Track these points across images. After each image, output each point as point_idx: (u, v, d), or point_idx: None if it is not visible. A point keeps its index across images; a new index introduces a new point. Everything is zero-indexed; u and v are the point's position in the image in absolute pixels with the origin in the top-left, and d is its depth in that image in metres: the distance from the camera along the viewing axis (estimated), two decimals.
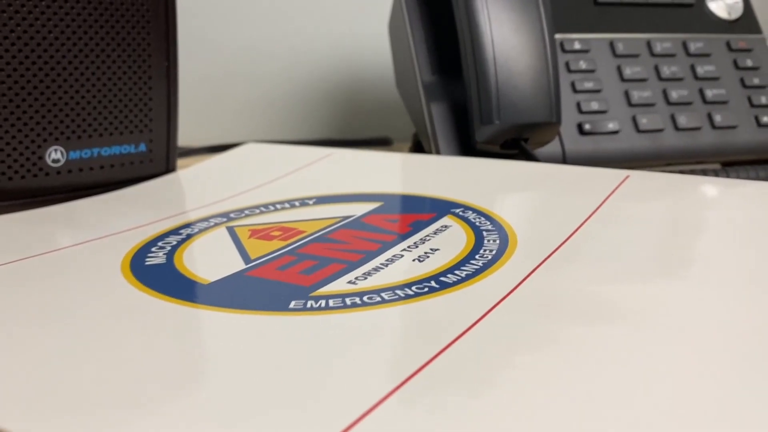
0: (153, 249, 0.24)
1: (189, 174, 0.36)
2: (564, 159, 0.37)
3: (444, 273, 0.20)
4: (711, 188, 0.27)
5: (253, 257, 0.22)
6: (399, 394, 0.13)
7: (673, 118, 0.40)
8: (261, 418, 0.13)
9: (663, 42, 0.42)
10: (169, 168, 0.36)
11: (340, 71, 0.60)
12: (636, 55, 0.41)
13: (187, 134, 0.55)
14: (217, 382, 0.14)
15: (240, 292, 0.19)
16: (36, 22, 0.30)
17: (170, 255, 0.23)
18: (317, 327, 0.17)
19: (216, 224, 0.26)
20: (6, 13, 0.29)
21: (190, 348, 0.16)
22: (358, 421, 0.12)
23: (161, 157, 0.36)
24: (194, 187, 0.33)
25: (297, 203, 0.29)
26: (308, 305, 0.18)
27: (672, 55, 0.41)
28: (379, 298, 0.18)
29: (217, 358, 0.15)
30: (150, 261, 0.22)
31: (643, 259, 0.20)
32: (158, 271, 0.21)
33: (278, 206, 0.29)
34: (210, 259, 0.22)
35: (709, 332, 0.16)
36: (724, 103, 0.41)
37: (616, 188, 0.27)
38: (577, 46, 0.40)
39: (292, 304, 0.18)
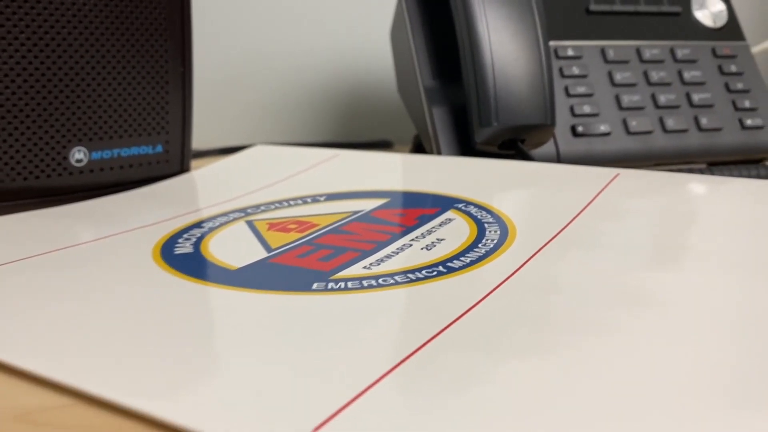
0: (179, 240, 0.25)
1: (203, 174, 0.37)
2: (558, 159, 0.39)
3: (450, 259, 0.22)
4: (696, 184, 0.29)
5: (273, 247, 0.24)
6: (414, 359, 0.15)
7: (661, 121, 0.42)
8: (291, 380, 0.15)
9: (651, 49, 0.44)
10: (183, 168, 0.38)
11: (342, 77, 0.62)
12: (626, 61, 0.43)
13: (194, 137, 0.57)
14: (251, 349, 0.16)
15: (266, 276, 0.21)
16: (63, 30, 0.31)
17: (197, 245, 0.25)
18: (339, 304, 0.19)
19: (235, 218, 0.28)
20: (36, 21, 0.30)
21: (226, 321, 0.18)
22: (378, 381, 0.14)
23: (176, 158, 0.37)
24: (210, 186, 0.35)
25: (309, 200, 0.31)
26: (329, 286, 0.20)
27: (660, 61, 0.44)
28: (392, 281, 0.20)
29: (251, 329, 0.17)
30: (179, 250, 0.24)
31: (633, 247, 0.22)
32: (188, 259, 0.23)
33: (291, 203, 0.30)
34: (234, 248, 0.24)
35: (698, 309, 0.18)
36: (709, 106, 0.43)
37: (607, 185, 0.29)
38: (570, 52, 0.42)
39: (315, 286, 0.20)
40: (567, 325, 0.17)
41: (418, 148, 0.48)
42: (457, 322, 0.17)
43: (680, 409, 0.13)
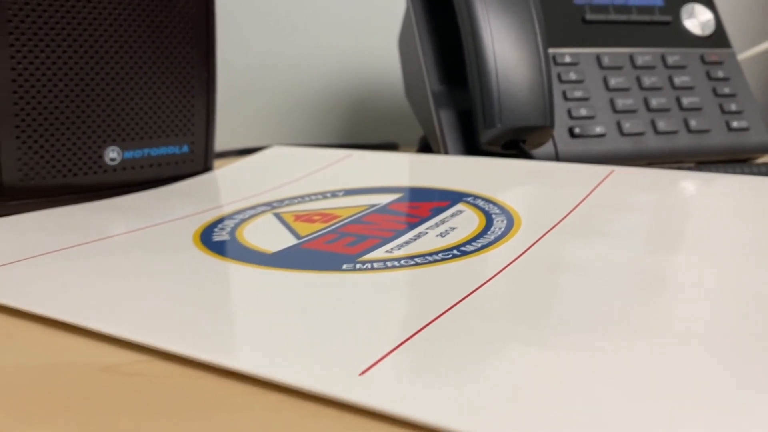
0: (215, 230, 0.28)
1: (225, 172, 0.40)
2: (557, 159, 0.42)
3: (463, 244, 0.25)
4: (686, 179, 0.32)
5: (302, 235, 0.27)
6: (439, 321, 0.18)
7: (653, 123, 0.45)
8: (338, 336, 0.17)
9: (644, 55, 0.47)
10: (207, 167, 0.40)
11: (350, 83, 0.65)
12: (620, 67, 0.46)
13: None
14: (299, 312, 0.19)
15: (300, 259, 0.24)
16: (100, 38, 0.34)
17: (232, 233, 0.27)
18: (368, 280, 0.21)
19: (263, 211, 0.31)
20: (76, 30, 0.33)
21: (273, 292, 0.20)
22: (410, 337, 0.17)
23: (201, 157, 0.40)
24: (233, 183, 0.37)
25: (329, 195, 0.33)
26: (357, 267, 0.23)
27: (652, 67, 0.46)
28: (413, 262, 0.23)
29: (296, 298, 0.20)
30: (216, 238, 0.27)
31: (629, 232, 0.25)
32: (227, 245, 0.26)
33: (312, 197, 0.33)
34: (266, 236, 0.27)
35: (696, 283, 0.20)
36: (698, 109, 0.46)
37: (603, 180, 0.32)
38: (567, 59, 0.45)
39: (344, 266, 0.23)
40: (571, 295, 0.19)
41: (424, 149, 0.50)
42: (474, 293, 0.20)
43: (688, 364, 0.16)
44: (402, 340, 0.17)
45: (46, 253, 0.25)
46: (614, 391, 0.14)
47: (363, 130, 0.65)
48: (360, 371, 0.15)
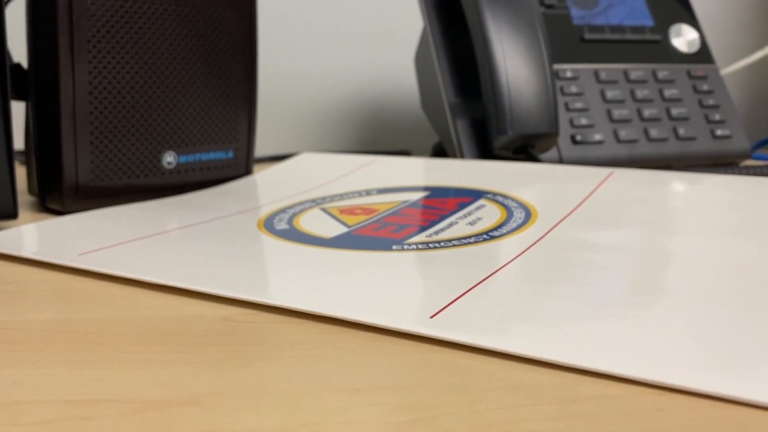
0: (275, 221, 0.32)
1: (264, 176, 0.45)
2: (561, 163, 0.47)
3: (491, 230, 0.29)
4: (677, 178, 0.37)
5: (350, 224, 0.31)
6: (488, 282, 0.22)
7: (645, 131, 0.50)
8: (411, 290, 0.22)
9: (637, 71, 0.52)
10: (248, 171, 0.45)
11: (366, 97, 0.69)
12: (615, 82, 0.51)
13: None
14: (373, 277, 0.23)
15: (355, 242, 0.28)
16: (162, 55, 0.39)
17: (290, 223, 0.32)
18: (418, 257, 0.26)
19: (310, 206, 0.35)
20: (143, 50, 0.38)
21: (344, 263, 0.25)
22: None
23: (243, 162, 0.45)
24: (274, 185, 0.42)
25: (363, 193, 0.38)
26: (404, 247, 0.27)
27: (644, 81, 0.52)
28: (451, 244, 0.28)
29: (361, 271, 0.24)
30: (278, 227, 0.31)
31: (631, 219, 0.30)
32: (289, 232, 0.30)
33: (350, 195, 0.38)
34: (320, 226, 0.31)
35: (692, 259, 0.25)
36: (685, 119, 0.51)
37: (605, 179, 0.37)
38: (569, 74, 0.50)
39: (394, 247, 0.27)
40: (583, 265, 0.24)
41: (437, 155, 0.55)
42: (511, 263, 0.24)
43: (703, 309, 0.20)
44: (458, 295, 0.21)
45: (140, 239, 0.29)
46: (649, 329, 0.19)
47: (378, 138, 0.70)
48: (430, 315, 0.20)
